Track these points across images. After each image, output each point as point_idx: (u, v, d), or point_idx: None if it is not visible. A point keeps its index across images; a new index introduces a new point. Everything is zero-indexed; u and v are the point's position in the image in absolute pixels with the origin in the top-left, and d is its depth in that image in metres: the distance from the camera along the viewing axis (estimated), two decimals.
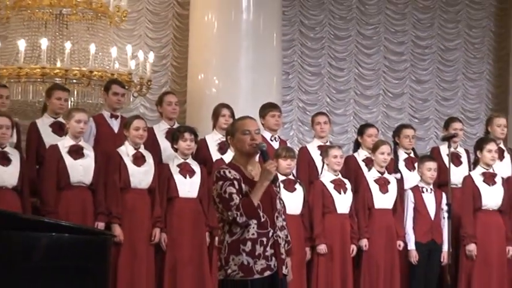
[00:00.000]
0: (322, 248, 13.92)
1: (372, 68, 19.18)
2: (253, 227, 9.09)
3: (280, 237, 9.27)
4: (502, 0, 20.04)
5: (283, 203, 9.66)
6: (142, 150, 13.70)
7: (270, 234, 9.04)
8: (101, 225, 13.04)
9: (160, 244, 13.56)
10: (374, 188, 14.48)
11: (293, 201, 13.48)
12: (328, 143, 14.87)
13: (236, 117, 11.78)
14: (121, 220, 13.29)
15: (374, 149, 14.62)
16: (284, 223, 9.38)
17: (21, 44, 15.50)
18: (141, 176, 13.51)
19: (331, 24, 19.16)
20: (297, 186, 13.86)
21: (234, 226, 9.05)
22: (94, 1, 15.60)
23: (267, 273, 8.97)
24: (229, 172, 9.01)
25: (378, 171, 14.57)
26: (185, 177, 13.53)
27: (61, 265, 9.49)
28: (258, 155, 9.37)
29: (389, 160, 14.58)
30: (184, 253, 13.34)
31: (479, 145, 15.08)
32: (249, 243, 9.05)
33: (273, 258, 9.14)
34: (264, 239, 9.02)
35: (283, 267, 9.19)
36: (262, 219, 8.97)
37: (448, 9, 20.01)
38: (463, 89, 19.69)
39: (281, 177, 12.13)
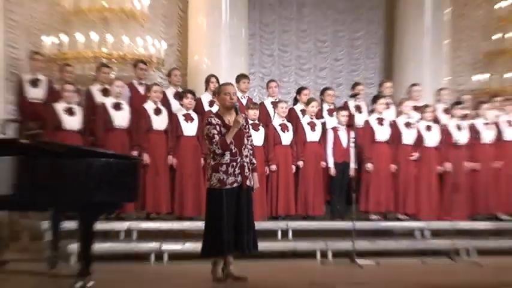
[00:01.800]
0: (273, 167, 14.93)
1: (306, 51, 19.55)
2: (227, 156, 10.54)
3: (245, 162, 10.65)
4: (390, 6, 19.88)
5: (251, 139, 11.13)
6: (159, 105, 14.58)
7: (238, 160, 10.63)
8: (134, 153, 13.91)
9: (172, 165, 14.21)
10: (307, 128, 15.35)
11: (257, 137, 14.33)
12: (277, 100, 15.84)
13: (220, 83, 12.74)
14: (147, 150, 14.02)
15: (307, 103, 15.59)
16: (250, 152, 10.89)
17: (79, 37, 16.22)
18: (159, 122, 14.48)
19: (280, 23, 19.41)
20: (260, 127, 14.77)
21: (215, 154, 10.59)
22: (127, 8, 16.25)
23: (235, 185, 10.58)
24: (214, 120, 10.66)
25: (310, 118, 15.42)
26: (187, 122, 14.40)
27: (108, 179, 9.63)
28: (234, 109, 10.66)
29: (317, 110, 15.54)
30: (187, 170, 14.37)
31: (374, 100, 16.13)
32: (224, 166, 10.56)
33: (240, 176, 10.59)
34: (234, 163, 10.58)
35: (247, 181, 10.66)
36: (234, 151, 10.59)
37: (356, 11, 19.84)
38: (364, 64, 19.84)
39: (250, 122, 12.19)
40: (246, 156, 10.67)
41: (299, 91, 16.25)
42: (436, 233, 15.31)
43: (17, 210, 13.21)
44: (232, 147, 10.50)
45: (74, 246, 11.03)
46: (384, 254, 14.01)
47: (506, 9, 20.19)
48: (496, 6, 20.40)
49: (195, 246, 11.63)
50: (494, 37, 20.36)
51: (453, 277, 11.98)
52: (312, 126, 15.27)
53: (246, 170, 10.61)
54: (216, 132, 10.44)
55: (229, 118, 10.61)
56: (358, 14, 20.02)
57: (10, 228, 14.02)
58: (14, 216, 14.12)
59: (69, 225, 10.79)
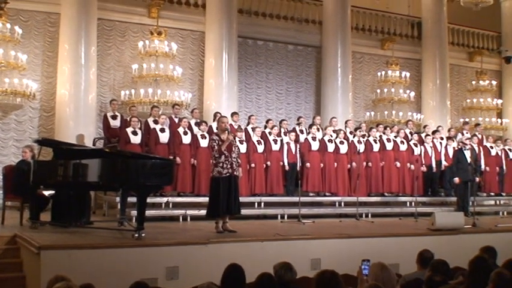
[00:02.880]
0: (253, 165, 14.08)
1: (271, 99, 18.58)
2: (222, 157, 10.12)
3: (233, 161, 10.23)
4: (319, 74, 19.26)
5: (238, 148, 10.98)
6: (186, 129, 13.74)
7: (229, 160, 10.20)
8: (171, 157, 12.72)
9: (194, 164, 13.52)
10: (272, 143, 14.43)
11: (243, 148, 13.65)
12: (255, 126, 15.02)
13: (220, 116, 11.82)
14: (179, 155, 13.25)
15: (271, 128, 14.87)
16: (237, 156, 10.46)
17: (141, 90, 15.69)
18: (186, 139, 13.60)
19: (255, 83, 18.44)
20: (244, 142, 14.01)
21: (215, 157, 10.24)
22: (169, 74, 15.87)
23: (227, 174, 10.13)
24: (215, 137, 10.41)
25: (273, 136, 14.56)
26: (202, 139, 13.62)
27: (157, 171, 9.36)
28: (226, 131, 10.31)
29: (277, 132, 14.82)
30: (202, 167, 13.48)
31: (310, 126, 15.21)
32: (220, 163, 10.14)
33: (230, 169, 10.15)
34: (226, 162, 10.16)
35: (235, 172, 10.26)
36: (226, 155, 10.17)
37: (299, 76, 19.09)
38: (304, 106, 18.91)
39: (237, 139, 12.40)
40: (234, 158, 10.25)
41: (267, 121, 15.58)
42: (347, 204, 14.75)
43: (101, 190, 12.89)
44: (225, 153, 10.11)
45: (134, 212, 10.50)
46: (317, 216, 13.51)
47: (388, 74, 19.54)
48: (378, 73, 19.86)
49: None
50: (378, 90, 19.74)
51: (357, 229, 11.51)
52: (275, 141, 14.50)
53: (234, 166, 10.22)
54: (215, 144, 10.19)
55: (224, 136, 10.25)
56: (300, 78, 19.17)
57: (96, 201, 13.62)
58: (99, 194, 13.77)
59: (132, 199, 10.63)
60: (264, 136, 14.72)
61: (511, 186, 17.22)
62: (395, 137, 16.01)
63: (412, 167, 15.55)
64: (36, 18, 15.70)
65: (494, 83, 21.65)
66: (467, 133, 17.78)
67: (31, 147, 11.69)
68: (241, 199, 11.12)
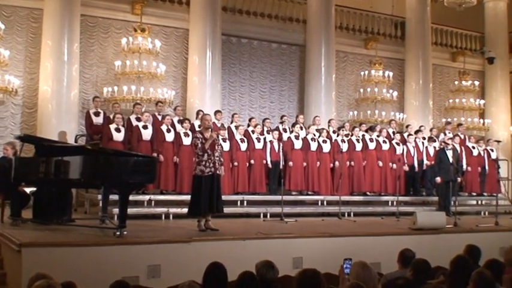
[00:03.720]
0: (236, 163, 14.18)
1: (254, 97, 18.52)
2: (205, 156, 10.10)
3: (216, 159, 10.21)
4: (302, 72, 19.21)
5: (221, 146, 10.84)
6: (169, 127, 13.84)
7: (211, 159, 10.18)
8: (154, 155, 13.10)
9: (176, 162, 13.55)
10: (255, 141, 14.55)
11: (226, 146, 13.70)
12: (238, 125, 15.00)
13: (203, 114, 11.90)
14: (162, 153, 13.37)
15: (254, 126, 14.98)
16: (219, 154, 10.40)
17: (124, 87, 15.49)
18: (169, 137, 13.70)
19: (239, 81, 18.40)
20: (227, 140, 14.12)
21: (198, 155, 10.20)
22: (152, 72, 15.71)
23: (210, 173, 10.12)
24: (198, 135, 10.39)
25: (257, 135, 14.67)
26: (185, 137, 13.60)
27: (139, 169, 9.37)
28: (209, 129, 10.34)
29: (260, 130, 14.90)
30: (185, 165, 13.44)
31: (293, 125, 15.59)
32: (203, 161, 10.12)
33: (213, 168, 10.13)
34: (209, 160, 10.15)
35: (217, 171, 10.23)
36: (209, 153, 10.17)
37: (283, 75, 19.02)
38: (287, 105, 18.89)
39: (221, 137, 12.24)
40: (217, 156, 10.22)
41: (250, 120, 15.60)
42: (330, 203, 14.78)
43: (83, 188, 12.89)
44: (208, 151, 10.12)
45: (116, 210, 10.55)
46: (300, 215, 13.62)
47: (371, 74, 19.60)
48: (362, 73, 19.83)
49: None
50: (361, 90, 19.73)
51: (339, 228, 11.57)
52: (258, 139, 14.59)
53: (217, 164, 10.20)
54: (199, 142, 10.16)
55: (207, 134, 10.25)
56: (284, 76, 19.21)
57: (77, 199, 13.61)
58: (81, 191, 13.67)
59: (114, 197, 10.43)
60: (247, 134, 14.74)
61: (493, 187, 17.24)
62: (377, 136, 16.16)
63: (394, 166, 15.69)
64: (19, 14, 15.58)
65: (476, 83, 21.70)
66: (449, 133, 17.97)
67: (13, 144, 11.54)
68: (224, 197, 11.09)
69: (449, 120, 20.07)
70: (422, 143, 16.70)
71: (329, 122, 16.66)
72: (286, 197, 13.51)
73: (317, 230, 10.76)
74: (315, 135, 15.24)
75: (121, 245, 8.46)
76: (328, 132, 15.64)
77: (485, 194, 17.59)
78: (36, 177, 10.17)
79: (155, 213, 12.65)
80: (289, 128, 15.79)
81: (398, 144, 16.07)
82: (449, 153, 14.73)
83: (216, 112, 15.00)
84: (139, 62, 15.72)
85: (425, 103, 20.56)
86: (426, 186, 16.58)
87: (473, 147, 17.40)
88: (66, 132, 14.62)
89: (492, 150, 17.79)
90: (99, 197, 11.49)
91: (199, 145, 10.15)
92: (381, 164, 15.66)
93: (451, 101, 21.56)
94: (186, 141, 13.55)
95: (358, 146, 15.63)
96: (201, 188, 10.07)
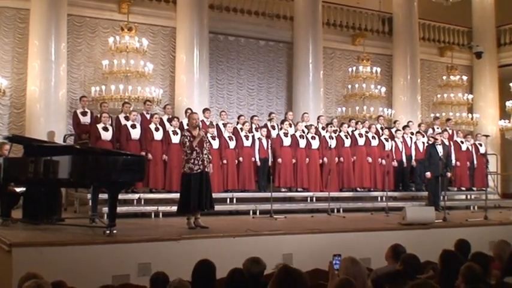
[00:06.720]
0: (225, 161, 14.23)
1: (242, 95, 18.53)
2: (194, 154, 10.16)
3: (205, 157, 10.26)
4: (290, 69, 19.30)
5: (210, 144, 11.17)
6: (158, 125, 13.98)
7: (200, 156, 10.23)
8: (143, 153, 13.19)
9: (165, 160, 13.67)
10: (244, 138, 14.60)
11: (215, 144, 13.86)
12: (226, 122, 15.10)
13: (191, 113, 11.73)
14: (150, 151, 13.52)
15: (243, 124, 14.95)
16: (207, 152, 10.47)
17: (112, 87, 15.50)
18: (158, 135, 13.87)
19: (227, 79, 18.44)
20: (216, 138, 14.19)
21: (186, 153, 10.26)
22: (140, 70, 15.68)
23: (199, 170, 10.17)
24: (186, 133, 10.46)
25: (245, 132, 14.71)
26: (174, 135, 13.75)
27: (128, 168, 9.34)
28: (197, 127, 10.40)
29: (248, 128, 14.90)
30: (174, 163, 13.53)
31: (282, 122, 15.51)
32: (192, 159, 10.18)
33: (201, 165, 10.19)
34: (198, 158, 10.20)
35: (206, 168, 10.26)
36: (198, 151, 10.23)
37: (270, 72, 19.10)
38: (275, 101, 18.80)
39: (209, 135, 12.59)
40: (205, 154, 10.27)
41: (238, 117, 15.77)
42: (319, 199, 14.99)
43: (73, 187, 13.01)
44: (196, 149, 10.17)
45: (105, 209, 10.43)
46: (289, 211, 13.77)
47: (359, 70, 19.59)
48: (350, 69, 19.87)
49: None
50: (349, 86, 19.70)
51: (329, 224, 11.59)
52: (247, 137, 14.68)
53: (205, 162, 10.24)
54: (187, 140, 10.22)
55: (195, 132, 10.31)
56: (272, 74, 19.28)
57: (67, 198, 13.67)
58: (70, 191, 13.74)
59: (103, 196, 10.59)
60: (235, 132, 14.84)
61: (482, 181, 17.48)
62: (366, 132, 16.24)
63: (384, 162, 15.79)
64: (6, 14, 15.59)
65: (465, 78, 21.80)
66: (438, 128, 18.16)
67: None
68: (214, 195, 11.11)
69: (437, 115, 20.14)
70: (411, 138, 16.86)
71: (318, 118, 16.66)
72: (275, 194, 13.65)
73: (306, 227, 10.80)
74: (303, 132, 15.37)
75: (111, 244, 8.49)
76: (316, 128, 15.79)
77: (474, 188, 17.75)
78: (25, 177, 10.19)
79: (145, 212, 12.75)
80: (277, 125, 15.87)
81: (387, 140, 16.21)
82: (439, 148, 14.86)
83: (204, 110, 15.12)
84: (127, 61, 15.71)
85: (414, 98, 20.67)
86: (415, 181, 16.71)
87: (462, 142, 17.57)
88: (55, 132, 14.64)
89: (481, 145, 17.94)
90: (89, 196, 11.52)
91: (188, 143, 10.19)
92: (370, 160, 15.76)
93: (439, 96, 21.66)
94: (175, 139, 13.66)
95: (347, 142, 15.71)
96: (190, 186, 10.11)
